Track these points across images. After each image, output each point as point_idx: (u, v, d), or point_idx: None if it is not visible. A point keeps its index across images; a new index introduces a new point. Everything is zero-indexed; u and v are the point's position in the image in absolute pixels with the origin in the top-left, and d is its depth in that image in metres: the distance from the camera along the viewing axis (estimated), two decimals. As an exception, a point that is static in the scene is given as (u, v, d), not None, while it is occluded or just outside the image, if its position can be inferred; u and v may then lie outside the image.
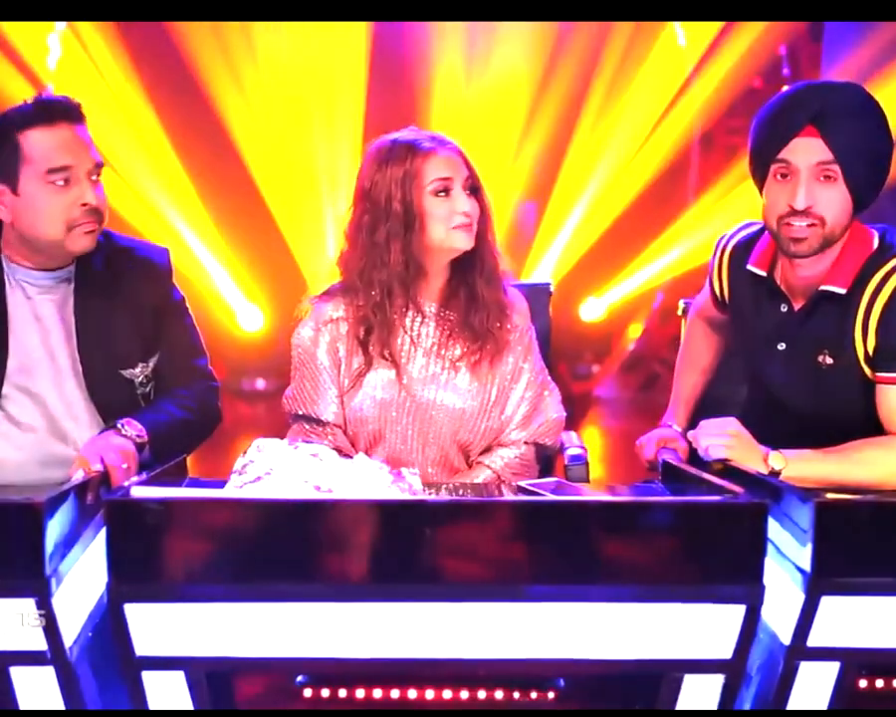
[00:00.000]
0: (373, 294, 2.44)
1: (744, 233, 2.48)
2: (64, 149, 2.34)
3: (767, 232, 2.37)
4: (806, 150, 2.22)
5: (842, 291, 2.27)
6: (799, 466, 2.16)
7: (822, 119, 2.21)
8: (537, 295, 2.83)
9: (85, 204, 2.35)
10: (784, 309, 2.35)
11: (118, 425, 2.31)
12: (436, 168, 2.40)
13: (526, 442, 2.54)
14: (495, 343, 2.50)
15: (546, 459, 2.65)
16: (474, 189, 2.45)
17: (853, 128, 2.22)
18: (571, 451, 2.69)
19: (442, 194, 2.40)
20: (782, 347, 2.34)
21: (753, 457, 2.14)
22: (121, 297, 2.46)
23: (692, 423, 2.61)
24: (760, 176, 2.30)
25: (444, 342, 2.50)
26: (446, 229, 2.40)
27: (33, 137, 2.33)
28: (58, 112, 2.35)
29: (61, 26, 6.19)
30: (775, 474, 2.13)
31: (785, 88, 2.38)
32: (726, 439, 2.16)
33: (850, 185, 2.22)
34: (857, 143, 2.22)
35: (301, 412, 2.51)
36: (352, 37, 6.52)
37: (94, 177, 2.38)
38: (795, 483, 2.12)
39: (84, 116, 2.39)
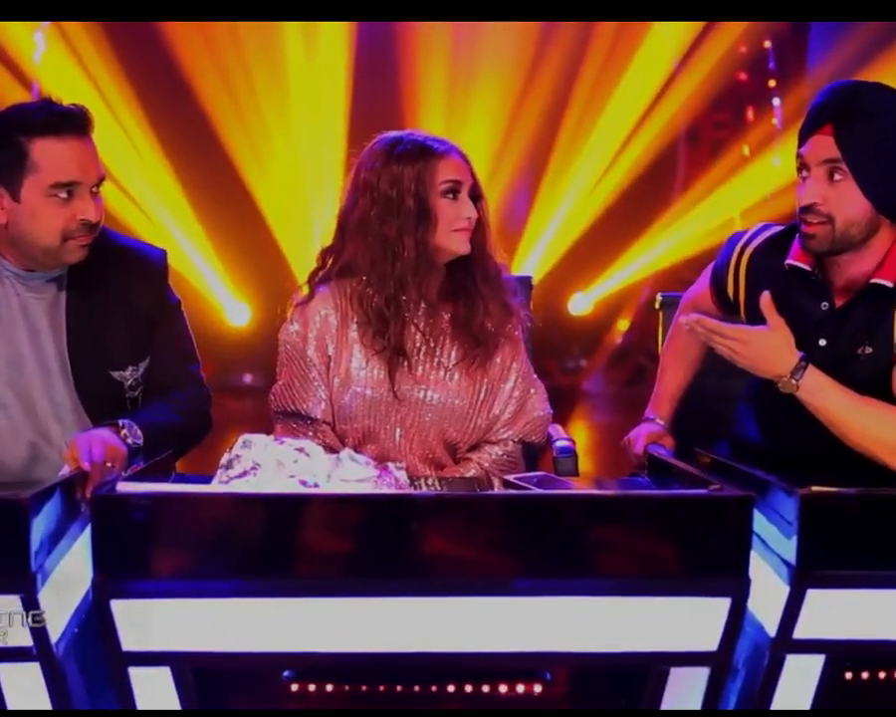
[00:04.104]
0: (387, 287, 2.44)
1: (767, 234, 2.45)
2: (73, 164, 2.27)
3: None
4: (817, 148, 2.23)
5: (890, 284, 2.26)
6: (819, 379, 2.19)
7: (839, 118, 2.21)
8: (518, 288, 2.81)
9: (84, 220, 2.29)
10: (824, 306, 2.32)
11: (120, 424, 2.26)
12: (448, 170, 2.43)
13: (513, 440, 2.54)
14: (493, 345, 2.51)
15: (531, 455, 2.65)
16: (476, 197, 2.48)
17: (866, 129, 2.20)
18: (560, 443, 2.70)
19: (450, 196, 2.43)
20: (822, 343, 2.31)
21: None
22: (114, 297, 2.42)
23: (676, 418, 2.62)
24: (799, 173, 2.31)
25: (436, 341, 2.50)
26: (448, 231, 2.43)
27: (41, 147, 2.25)
28: (68, 122, 2.28)
29: (46, 22, 6.17)
30: (794, 377, 2.18)
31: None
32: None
33: (862, 186, 2.21)
34: (869, 145, 2.20)
35: (289, 410, 2.50)
36: (337, 34, 6.51)
37: (94, 189, 2.32)
38: (807, 396, 2.18)
39: (92, 124, 2.32)
